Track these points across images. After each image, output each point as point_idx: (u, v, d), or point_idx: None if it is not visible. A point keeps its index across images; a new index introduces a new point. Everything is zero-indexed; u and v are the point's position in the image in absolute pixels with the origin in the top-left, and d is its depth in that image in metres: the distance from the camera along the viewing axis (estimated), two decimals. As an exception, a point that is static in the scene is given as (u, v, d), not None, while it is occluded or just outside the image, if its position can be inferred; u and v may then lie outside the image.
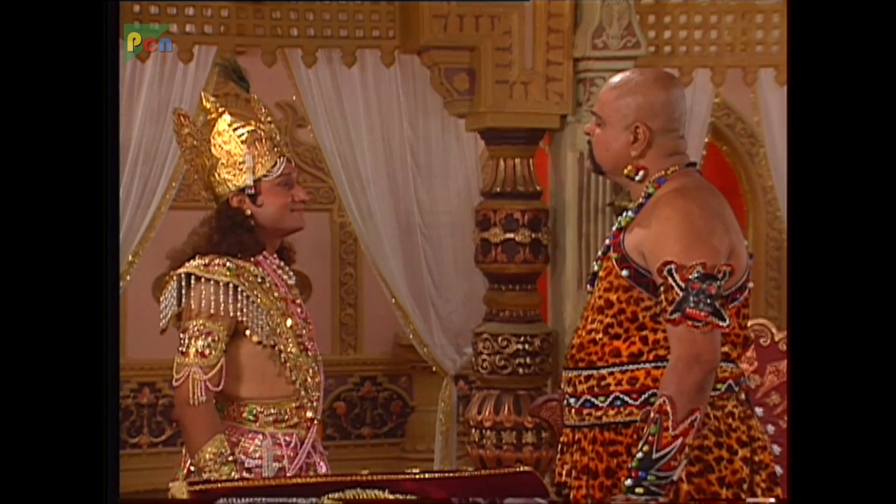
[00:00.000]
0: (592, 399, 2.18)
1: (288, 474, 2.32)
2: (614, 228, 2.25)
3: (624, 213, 2.25)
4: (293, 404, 2.44)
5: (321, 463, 2.50)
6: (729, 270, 2.13)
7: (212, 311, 2.36)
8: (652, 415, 2.08)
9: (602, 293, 2.20)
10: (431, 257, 4.64)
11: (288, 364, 2.41)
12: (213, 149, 2.49)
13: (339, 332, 5.92)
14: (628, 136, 2.20)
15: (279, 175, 2.48)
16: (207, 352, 2.34)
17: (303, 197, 2.54)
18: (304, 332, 2.47)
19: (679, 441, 2.06)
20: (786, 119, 4.74)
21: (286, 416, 2.43)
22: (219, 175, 2.48)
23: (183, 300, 2.39)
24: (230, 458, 2.31)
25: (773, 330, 2.89)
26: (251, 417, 2.41)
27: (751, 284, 2.20)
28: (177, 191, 4.41)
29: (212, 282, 2.38)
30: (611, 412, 2.17)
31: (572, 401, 2.22)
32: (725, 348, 2.15)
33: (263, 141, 2.49)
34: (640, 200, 2.21)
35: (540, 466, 4.16)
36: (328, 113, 4.44)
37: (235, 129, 2.51)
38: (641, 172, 2.21)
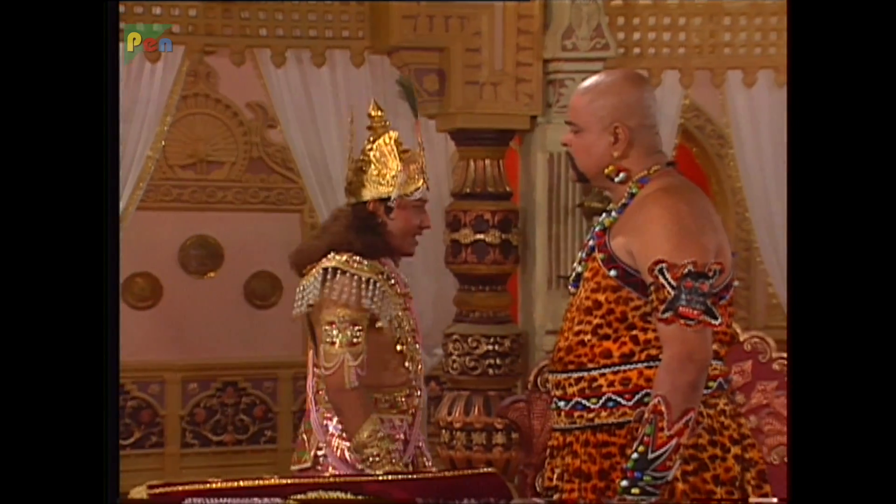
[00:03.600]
0: (584, 401, 2.17)
1: (403, 459, 2.48)
2: (597, 229, 2.24)
3: (605, 214, 2.25)
4: (405, 392, 2.62)
5: (423, 446, 2.68)
6: (719, 269, 2.13)
7: (354, 303, 2.54)
8: (646, 415, 2.07)
9: (589, 294, 2.18)
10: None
11: (407, 355, 2.62)
12: (370, 152, 2.71)
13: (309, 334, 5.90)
14: (608, 138, 2.20)
15: (417, 199, 2.68)
16: (356, 340, 2.52)
17: (428, 224, 2.74)
18: (417, 327, 2.69)
19: (674, 441, 2.05)
20: (753, 120, 4.82)
21: (399, 403, 2.61)
22: (368, 178, 2.67)
23: (325, 292, 2.54)
24: (384, 435, 2.49)
25: (738, 330, 2.91)
26: (370, 403, 2.57)
27: (736, 282, 2.21)
28: (144, 191, 4.38)
29: (355, 276, 2.56)
30: (603, 413, 2.15)
31: (562, 404, 2.20)
32: (714, 346, 2.15)
33: (417, 164, 2.69)
34: (624, 200, 2.21)
35: (510, 467, 4.16)
36: (298, 113, 4.42)
37: (399, 146, 2.71)
38: (623, 174, 2.21)
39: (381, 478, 1.90)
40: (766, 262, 4.82)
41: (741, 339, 2.90)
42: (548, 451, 2.27)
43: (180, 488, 1.87)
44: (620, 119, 2.20)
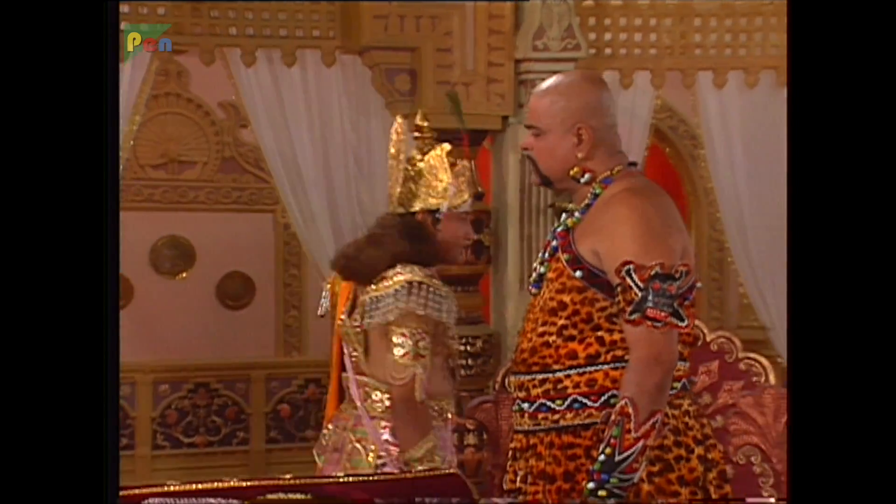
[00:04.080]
0: (548, 403, 2.16)
1: (447, 468, 2.49)
2: (559, 230, 2.23)
3: (567, 214, 2.25)
4: (451, 400, 2.68)
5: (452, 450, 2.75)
6: (686, 270, 2.14)
7: (434, 316, 2.57)
8: (613, 417, 2.07)
9: (554, 295, 2.18)
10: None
11: (454, 367, 2.66)
12: (420, 163, 2.69)
13: (282, 335, 5.88)
14: (572, 139, 2.21)
15: (464, 211, 2.70)
16: (425, 353, 2.53)
17: (471, 236, 2.76)
18: (456, 337, 2.72)
19: (641, 443, 2.06)
20: (724, 121, 4.82)
21: (444, 412, 2.65)
22: (416, 188, 2.68)
23: (410, 305, 2.55)
24: (434, 447, 2.55)
25: (705, 330, 2.92)
26: None
27: (699, 284, 2.22)
28: (113, 191, 4.34)
29: (433, 288, 2.59)
30: (568, 415, 2.15)
31: (525, 405, 2.19)
32: (678, 347, 2.15)
33: (465, 176, 2.71)
34: (587, 201, 2.20)
35: (481, 468, 4.15)
36: (268, 113, 4.40)
37: (449, 159, 2.74)
38: (588, 174, 2.21)
39: (341, 479, 1.89)
40: (737, 262, 4.84)
41: (708, 339, 2.91)
42: (510, 453, 2.26)
43: (136, 492, 1.85)
44: (583, 120, 2.21)
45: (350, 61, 4.43)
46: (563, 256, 2.18)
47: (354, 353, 2.69)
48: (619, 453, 2.05)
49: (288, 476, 1.87)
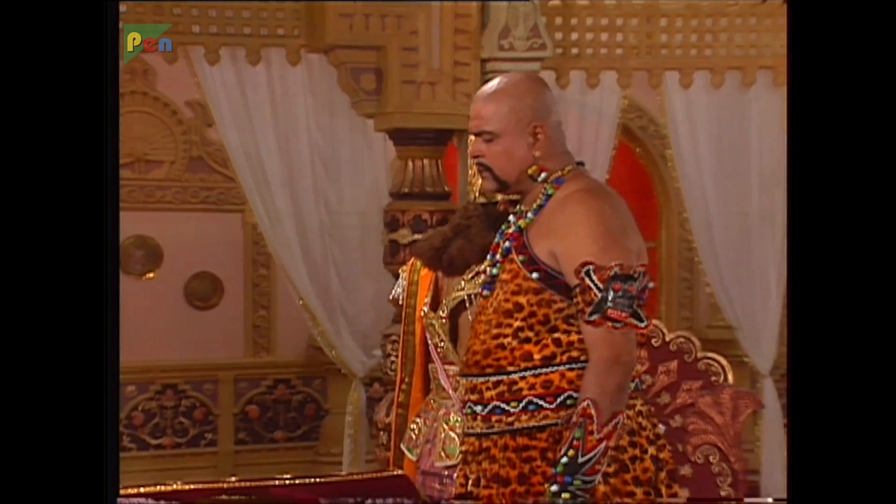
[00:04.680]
0: (503, 405, 2.15)
1: None
2: (511, 231, 2.22)
3: (515, 216, 2.23)
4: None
5: None
6: (644, 271, 2.14)
7: None
8: (575, 418, 2.07)
9: (509, 297, 2.16)
10: (339, 259, 4.60)
11: None
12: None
13: (251, 335, 5.85)
14: (528, 139, 2.20)
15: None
16: None
17: None
18: None
19: (603, 444, 2.06)
20: (690, 121, 4.84)
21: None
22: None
23: None
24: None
25: (664, 330, 2.92)
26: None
27: (651, 284, 2.21)
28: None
29: None
30: (524, 417, 2.14)
31: (478, 408, 2.18)
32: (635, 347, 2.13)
33: None
34: (539, 202, 2.20)
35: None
36: (233, 112, 4.37)
37: None
38: (544, 173, 2.21)
39: (287, 482, 1.87)
40: (704, 262, 4.86)
41: (667, 339, 2.91)
42: (460, 456, 2.24)
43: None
44: (538, 119, 2.21)
45: (316, 60, 4.41)
46: (519, 258, 2.17)
47: (441, 344, 2.67)
48: (583, 455, 2.05)
49: (233, 478, 1.86)
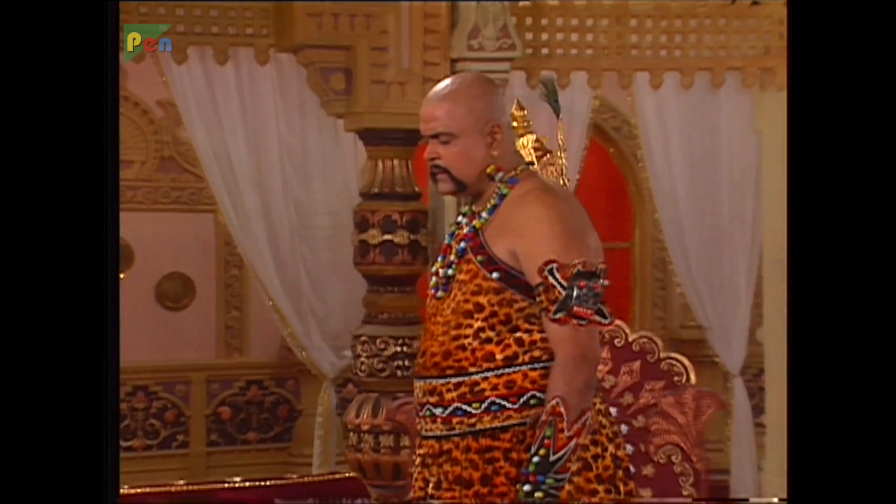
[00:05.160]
0: (464, 406, 2.15)
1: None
2: (466, 231, 2.21)
3: (465, 217, 2.22)
4: None
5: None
6: (605, 268, 2.15)
7: None
8: (544, 417, 2.08)
9: (469, 297, 2.16)
10: (309, 259, 4.59)
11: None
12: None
13: (223, 336, 5.82)
14: (486, 139, 2.21)
15: None
16: None
17: None
18: None
19: (574, 441, 2.07)
20: (661, 122, 4.85)
21: None
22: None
23: None
24: None
25: (627, 330, 2.92)
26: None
27: (607, 282, 2.22)
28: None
29: None
30: (486, 418, 2.14)
31: (438, 410, 2.17)
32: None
33: (555, 166, 2.62)
34: (494, 202, 2.20)
35: (401, 470, 4.14)
36: (202, 112, 4.35)
37: (536, 150, 2.65)
38: (501, 172, 2.22)
39: (237, 485, 1.86)
40: (675, 263, 4.87)
41: (630, 339, 2.92)
42: (417, 460, 2.24)
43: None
44: (496, 119, 2.22)
45: (285, 60, 4.39)
46: (477, 258, 2.16)
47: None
48: (554, 453, 2.05)
49: (181, 482, 1.85)
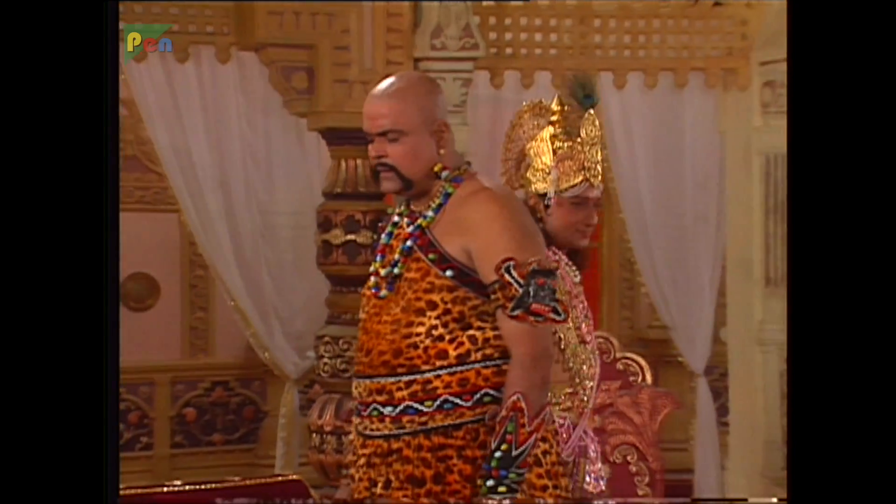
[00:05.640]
0: (416, 405, 2.15)
1: (563, 455, 2.41)
2: (410, 230, 2.20)
3: (410, 215, 2.21)
4: (567, 389, 2.53)
5: (592, 446, 2.60)
6: (556, 266, 2.18)
7: None
8: (505, 413, 2.09)
9: (421, 295, 2.16)
10: (272, 259, 4.56)
11: (566, 352, 2.52)
12: (530, 149, 2.59)
13: (188, 336, 5.78)
14: (433, 137, 2.22)
15: (575, 196, 2.56)
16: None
17: (590, 222, 2.60)
18: (583, 325, 2.59)
19: (534, 436, 2.09)
20: (625, 122, 4.86)
21: (560, 399, 2.52)
22: (525, 173, 2.59)
23: None
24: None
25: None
26: None
27: (559, 280, 2.25)
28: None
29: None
30: (438, 416, 2.14)
31: (388, 409, 2.17)
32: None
33: (574, 160, 2.58)
34: (439, 200, 2.21)
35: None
36: (162, 111, 4.31)
37: (554, 142, 2.60)
38: (446, 171, 2.23)
39: (176, 488, 1.85)
40: (640, 262, 4.88)
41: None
42: (361, 460, 2.22)
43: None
44: (442, 117, 2.24)
45: (247, 58, 4.36)
46: (429, 256, 2.17)
47: None
48: (516, 448, 2.07)
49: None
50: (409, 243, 2.20)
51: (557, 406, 2.51)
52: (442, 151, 2.21)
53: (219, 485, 1.91)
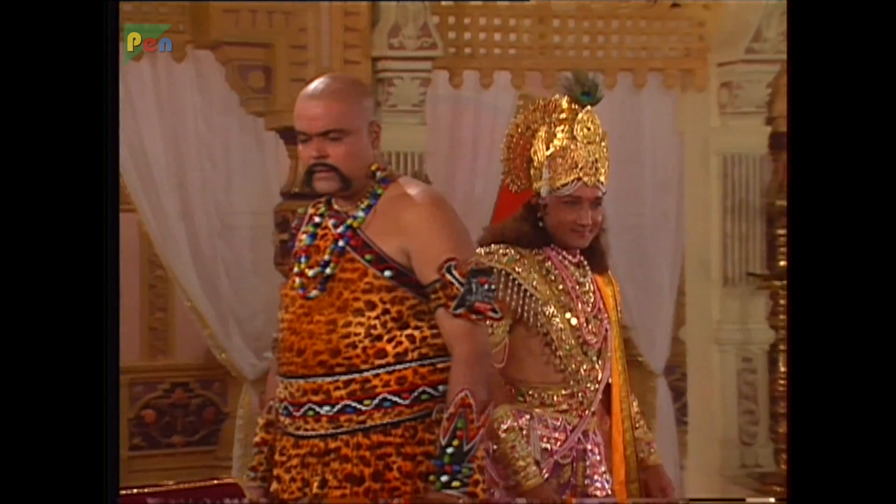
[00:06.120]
0: (355, 404, 2.16)
1: (555, 457, 2.42)
2: (338, 231, 2.22)
3: (336, 216, 2.23)
4: (562, 391, 2.52)
5: (595, 450, 2.56)
6: (492, 266, 2.23)
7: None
8: (453, 409, 2.12)
9: (359, 295, 2.18)
10: (230, 260, 4.52)
11: (559, 353, 2.50)
12: (532, 148, 2.56)
13: (147, 337, 5.72)
14: (370, 137, 2.24)
15: (568, 195, 2.52)
16: (491, 330, 2.41)
17: (584, 221, 2.54)
18: (587, 327, 2.54)
19: (482, 431, 2.13)
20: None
21: (554, 401, 2.51)
22: (528, 172, 2.57)
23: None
24: (509, 427, 2.41)
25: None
26: (520, 398, 2.52)
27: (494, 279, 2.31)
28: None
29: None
30: (377, 414, 2.16)
31: (325, 409, 2.18)
32: None
33: (566, 159, 2.54)
34: (368, 201, 2.23)
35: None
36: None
37: (550, 140, 2.56)
38: (379, 171, 2.25)
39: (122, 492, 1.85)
40: (600, 262, 4.88)
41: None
42: (295, 460, 2.22)
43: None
44: (376, 118, 2.26)
45: (203, 57, 4.32)
46: (365, 257, 2.19)
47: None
48: (467, 443, 2.12)
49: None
50: (340, 244, 2.22)
51: (552, 408, 2.50)
52: (376, 151, 2.24)
53: (154, 488, 1.90)
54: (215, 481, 2.18)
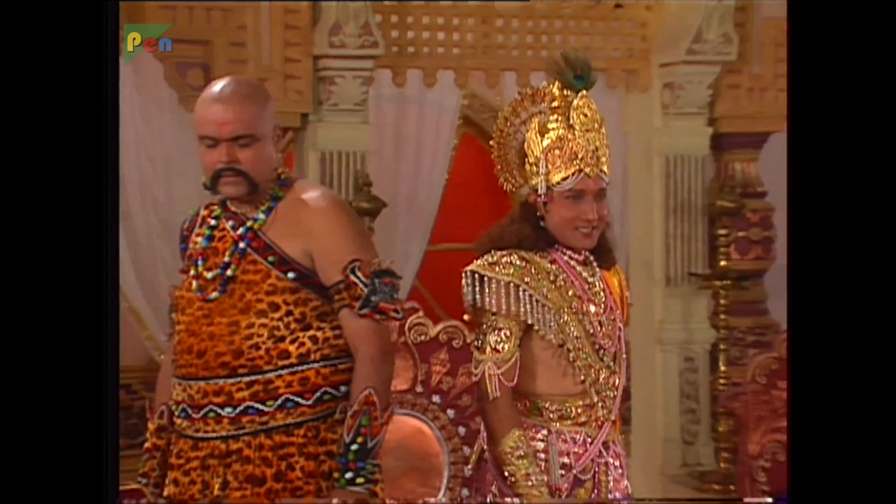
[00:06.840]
0: (257, 405, 2.18)
1: (574, 471, 2.33)
2: (237, 233, 2.23)
3: (234, 217, 2.23)
4: (580, 402, 2.38)
5: (616, 462, 2.42)
6: (391, 268, 2.25)
7: (497, 309, 2.34)
8: (357, 407, 2.16)
9: (263, 297, 2.20)
10: (169, 260, 4.45)
11: (577, 363, 2.36)
12: (526, 142, 2.38)
13: (89, 339, 5.63)
14: (273, 141, 2.26)
15: (569, 189, 2.35)
16: (500, 347, 2.33)
17: (588, 217, 2.37)
18: (601, 331, 2.39)
19: (385, 428, 2.18)
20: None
21: (572, 414, 2.38)
22: (522, 169, 2.40)
23: (476, 296, 2.35)
24: (524, 453, 2.31)
25: (466, 332, 2.94)
26: (536, 412, 2.38)
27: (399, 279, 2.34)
28: None
29: (494, 281, 2.34)
30: (279, 415, 2.19)
31: (226, 410, 2.18)
32: None
33: (564, 151, 2.35)
34: (268, 203, 2.24)
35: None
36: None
37: (545, 133, 2.38)
38: (285, 174, 2.29)
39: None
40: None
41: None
42: (194, 462, 2.22)
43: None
44: (277, 121, 2.29)
45: (141, 54, 4.24)
46: (268, 259, 2.20)
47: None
48: (371, 440, 2.15)
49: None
50: (241, 245, 2.23)
51: (570, 420, 2.37)
52: (279, 155, 2.27)
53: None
54: (126, 487, 2.16)
